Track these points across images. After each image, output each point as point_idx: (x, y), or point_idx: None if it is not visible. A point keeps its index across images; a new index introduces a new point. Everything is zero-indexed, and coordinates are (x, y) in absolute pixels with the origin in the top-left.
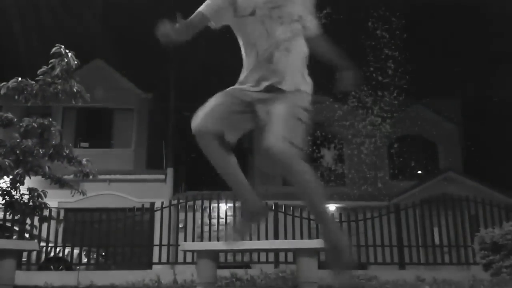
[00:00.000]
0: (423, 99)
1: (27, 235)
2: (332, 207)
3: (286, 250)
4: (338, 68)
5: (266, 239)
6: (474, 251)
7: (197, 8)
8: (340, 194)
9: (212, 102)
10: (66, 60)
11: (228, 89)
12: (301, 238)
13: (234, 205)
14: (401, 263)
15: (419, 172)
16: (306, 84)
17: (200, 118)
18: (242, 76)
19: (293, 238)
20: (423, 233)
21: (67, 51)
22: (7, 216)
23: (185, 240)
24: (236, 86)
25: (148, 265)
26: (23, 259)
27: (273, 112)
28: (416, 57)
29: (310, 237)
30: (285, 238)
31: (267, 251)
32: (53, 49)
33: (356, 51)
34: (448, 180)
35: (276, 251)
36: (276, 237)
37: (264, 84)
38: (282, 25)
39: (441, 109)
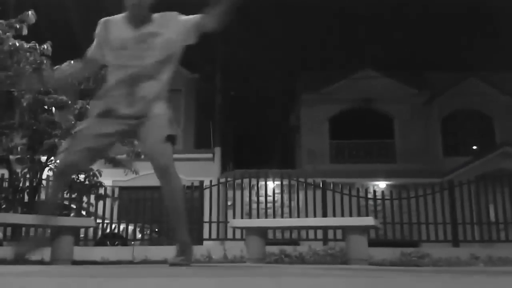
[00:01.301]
0: (478, 72)
1: (84, 213)
2: (382, 184)
3: (335, 228)
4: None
5: (315, 216)
6: None
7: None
8: (390, 170)
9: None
10: None
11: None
12: (350, 215)
13: (281, 183)
14: (455, 241)
15: (474, 147)
16: (164, 108)
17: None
18: (108, 101)
19: (342, 215)
20: (478, 210)
21: None
22: (65, 194)
23: (234, 217)
24: (97, 116)
25: (199, 241)
26: (80, 236)
27: (148, 138)
28: (472, 30)
29: (359, 215)
30: (334, 215)
31: (315, 228)
32: None
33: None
34: (505, 155)
35: (325, 229)
36: (324, 214)
37: (134, 110)
38: (148, 56)
39: (498, 82)
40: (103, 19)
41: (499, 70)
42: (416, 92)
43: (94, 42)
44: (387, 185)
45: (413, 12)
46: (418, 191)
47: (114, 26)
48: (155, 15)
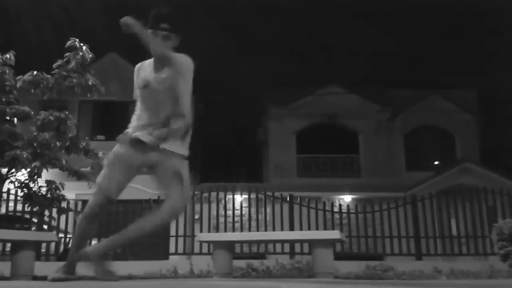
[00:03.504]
0: (440, 90)
1: (45, 227)
2: (348, 198)
3: (301, 241)
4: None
5: (282, 230)
6: (492, 241)
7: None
8: (355, 185)
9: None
10: (81, 54)
11: (116, 152)
12: (317, 229)
13: (249, 196)
14: (418, 254)
15: (436, 163)
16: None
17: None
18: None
19: (309, 229)
20: (440, 224)
21: (81, 44)
22: (26, 208)
23: (201, 231)
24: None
25: (165, 255)
26: (42, 250)
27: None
28: (434, 48)
29: (325, 228)
30: (301, 229)
31: (282, 242)
32: (68, 43)
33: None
34: (465, 171)
35: (292, 242)
36: (291, 228)
37: (160, 145)
38: (165, 96)
39: (459, 99)
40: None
41: (461, 88)
42: (380, 108)
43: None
44: (352, 199)
45: (378, 31)
46: (382, 205)
47: (142, 68)
48: (176, 56)
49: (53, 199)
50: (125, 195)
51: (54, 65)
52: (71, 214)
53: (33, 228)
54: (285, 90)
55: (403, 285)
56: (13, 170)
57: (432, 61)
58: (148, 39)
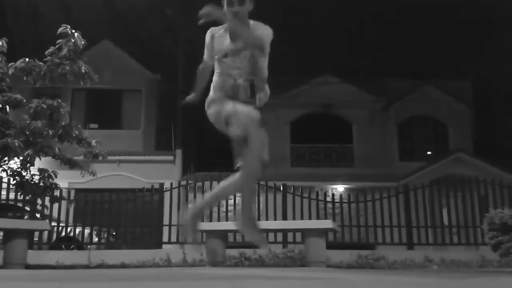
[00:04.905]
0: (434, 80)
1: (38, 215)
2: (340, 187)
3: (294, 230)
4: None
5: (275, 219)
6: (483, 231)
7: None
8: (348, 174)
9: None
10: (73, 41)
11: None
12: (310, 218)
13: None
14: (409, 244)
15: (429, 153)
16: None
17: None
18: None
19: (302, 218)
20: (432, 213)
21: (73, 31)
22: (18, 196)
23: None
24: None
25: (158, 244)
26: (34, 239)
27: None
28: (428, 37)
29: (318, 218)
30: (294, 218)
31: (275, 231)
32: (60, 29)
33: (364, 31)
34: (458, 161)
35: (285, 231)
36: (284, 217)
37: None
38: (243, 64)
39: (452, 89)
40: (209, 29)
41: (454, 78)
42: (374, 98)
43: (205, 51)
44: (345, 188)
45: (372, 20)
46: (374, 194)
47: (217, 36)
48: (253, 23)
49: (45, 187)
50: (117, 183)
51: (47, 52)
52: (64, 202)
53: (25, 217)
54: (279, 79)
55: (395, 274)
56: (5, 158)
57: (427, 51)
58: (237, 27)
